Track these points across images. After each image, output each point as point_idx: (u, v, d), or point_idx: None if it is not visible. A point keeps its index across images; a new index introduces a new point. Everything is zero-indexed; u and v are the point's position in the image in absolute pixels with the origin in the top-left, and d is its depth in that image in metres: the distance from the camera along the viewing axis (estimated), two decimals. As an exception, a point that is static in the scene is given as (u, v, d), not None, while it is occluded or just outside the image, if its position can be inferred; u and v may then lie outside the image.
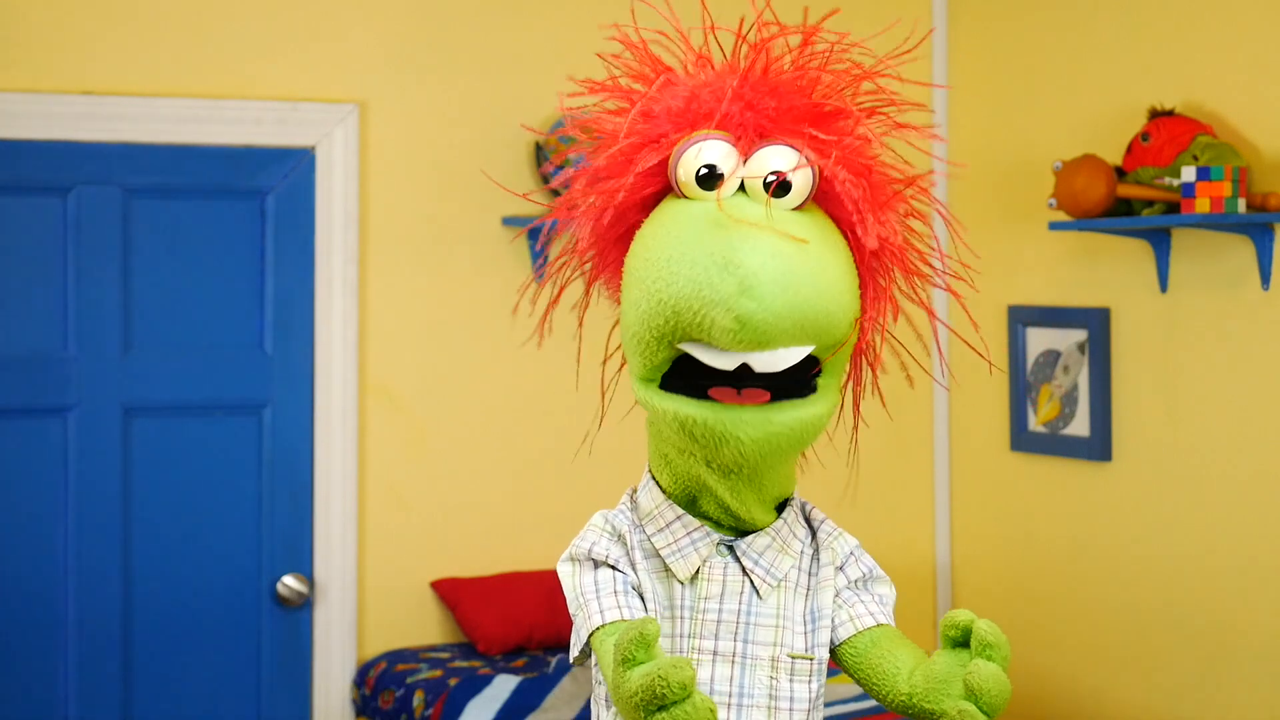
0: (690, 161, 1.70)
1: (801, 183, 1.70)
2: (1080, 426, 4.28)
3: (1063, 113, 4.34)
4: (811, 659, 1.80)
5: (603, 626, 1.73)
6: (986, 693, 1.67)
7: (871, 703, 3.91)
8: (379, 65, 4.28)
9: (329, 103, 4.21)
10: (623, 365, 1.90)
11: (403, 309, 4.31)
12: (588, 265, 1.87)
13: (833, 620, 1.83)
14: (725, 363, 1.64)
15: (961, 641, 1.76)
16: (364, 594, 4.28)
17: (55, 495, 4.03)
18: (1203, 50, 3.95)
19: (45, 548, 4.02)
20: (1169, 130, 3.84)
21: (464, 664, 4.11)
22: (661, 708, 1.55)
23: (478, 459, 4.38)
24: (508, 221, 4.33)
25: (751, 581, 1.78)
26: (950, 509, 4.77)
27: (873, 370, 1.88)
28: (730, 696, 1.77)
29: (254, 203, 4.19)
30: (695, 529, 1.78)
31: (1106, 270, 4.21)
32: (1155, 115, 3.92)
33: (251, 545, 4.19)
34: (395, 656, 4.21)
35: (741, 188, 1.71)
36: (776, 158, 1.70)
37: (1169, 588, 4.06)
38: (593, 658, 1.79)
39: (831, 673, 3.81)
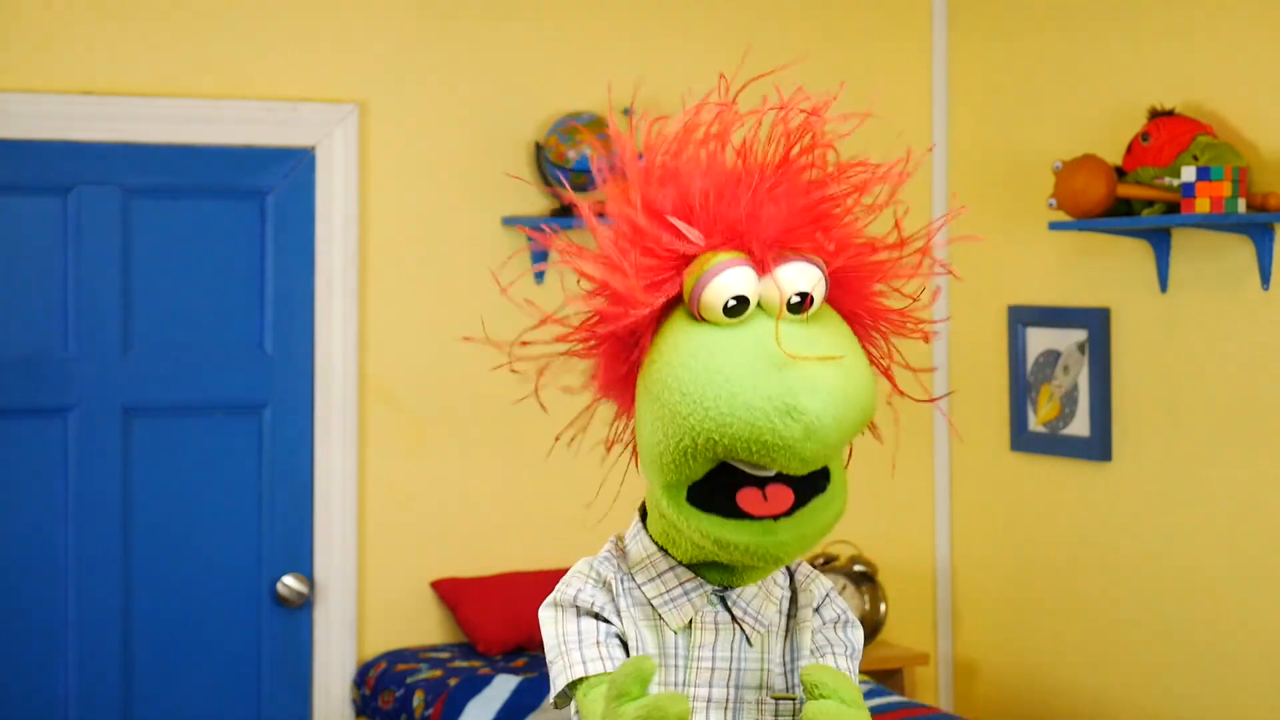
0: (718, 291, 1.69)
1: (819, 294, 1.73)
2: (1080, 426, 4.28)
3: (1063, 113, 4.34)
4: (794, 698, 1.84)
5: (586, 679, 1.77)
6: None
7: (873, 702, 3.91)
8: (379, 65, 4.28)
9: (329, 103, 4.21)
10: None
11: (403, 309, 4.31)
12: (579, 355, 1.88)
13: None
14: (765, 473, 1.70)
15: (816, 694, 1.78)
16: (364, 594, 4.29)
17: (55, 495, 4.03)
18: (1203, 50, 3.95)
19: (45, 548, 4.02)
20: (1169, 130, 3.84)
21: (464, 664, 4.11)
22: None
23: (478, 459, 4.38)
24: (508, 221, 4.33)
25: (742, 629, 1.82)
26: (950, 509, 4.77)
27: (874, 432, 1.91)
28: None
29: (254, 203, 4.19)
30: (688, 580, 1.81)
31: (1106, 270, 4.21)
32: (1155, 115, 3.92)
33: (251, 545, 4.19)
34: (395, 656, 4.21)
35: (758, 306, 1.72)
36: (800, 278, 1.71)
37: (1169, 588, 4.06)
38: (573, 704, 1.83)
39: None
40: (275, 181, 4.20)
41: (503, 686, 3.90)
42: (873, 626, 4.50)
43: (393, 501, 4.31)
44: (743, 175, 1.73)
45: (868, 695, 3.96)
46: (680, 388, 1.69)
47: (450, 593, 4.28)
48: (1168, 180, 3.83)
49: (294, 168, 4.21)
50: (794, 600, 1.88)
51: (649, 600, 1.81)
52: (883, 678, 4.56)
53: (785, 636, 1.85)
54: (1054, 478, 4.40)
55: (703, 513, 1.72)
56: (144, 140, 4.08)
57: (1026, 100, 4.47)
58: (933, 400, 1.95)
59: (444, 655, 4.19)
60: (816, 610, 1.88)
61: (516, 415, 4.40)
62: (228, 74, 4.14)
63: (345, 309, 4.23)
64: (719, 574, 1.81)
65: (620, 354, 1.81)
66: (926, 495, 4.78)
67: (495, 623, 4.21)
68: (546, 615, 1.83)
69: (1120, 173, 3.97)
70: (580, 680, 1.77)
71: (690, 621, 1.81)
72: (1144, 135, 3.89)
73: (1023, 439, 4.47)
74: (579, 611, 1.81)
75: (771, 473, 1.69)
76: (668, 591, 1.81)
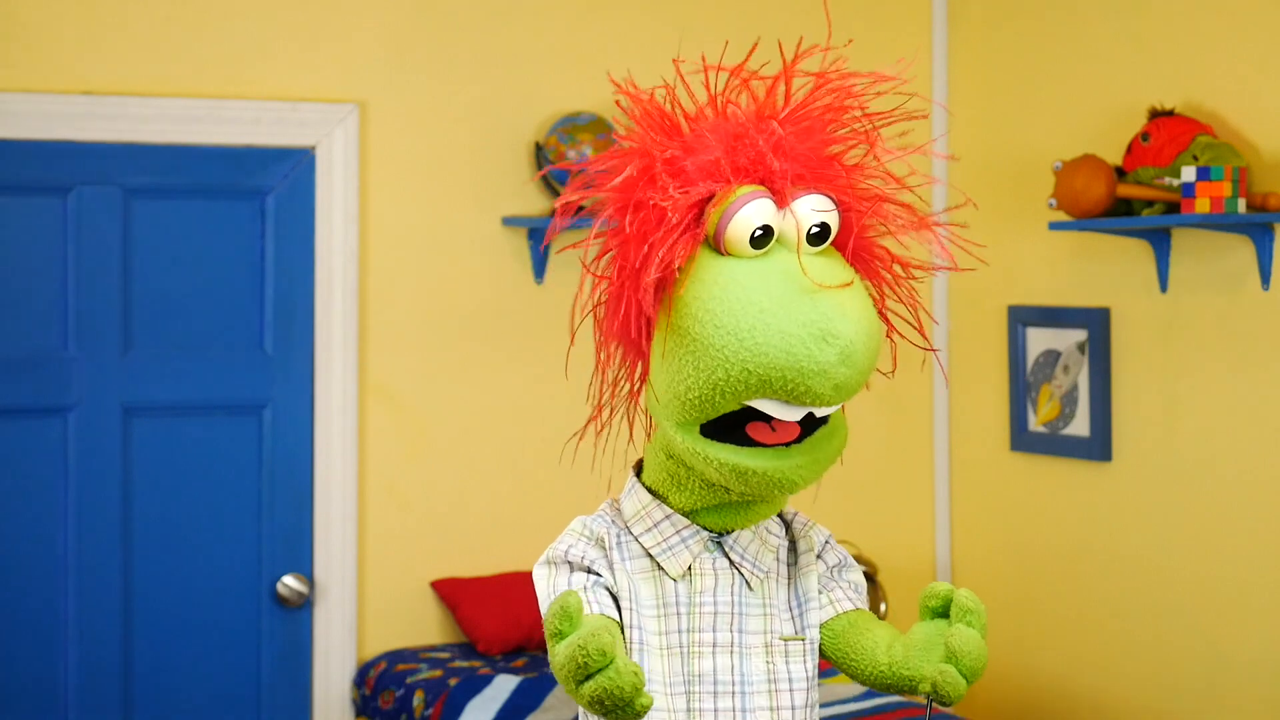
0: (743, 224, 1.73)
1: (833, 229, 1.78)
2: (1080, 426, 4.28)
3: (1063, 113, 4.34)
4: (803, 639, 1.88)
5: None
6: (967, 654, 1.74)
7: (873, 702, 3.91)
8: (379, 65, 4.28)
9: (329, 103, 4.22)
10: (601, 363, 1.90)
11: (403, 309, 4.31)
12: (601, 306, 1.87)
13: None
14: (792, 415, 1.73)
15: (941, 612, 1.83)
16: (364, 594, 4.29)
17: (55, 495, 4.03)
18: (1203, 50, 3.95)
19: (45, 548, 4.03)
20: (1169, 130, 3.84)
21: (464, 664, 4.11)
22: (588, 677, 1.61)
23: (478, 459, 4.38)
24: (508, 221, 4.33)
25: (741, 574, 1.85)
26: (950, 509, 4.77)
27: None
28: (733, 685, 1.83)
29: (254, 203, 4.19)
30: (685, 527, 1.85)
31: (1106, 270, 4.21)
32: (1155, 115, 3.92)
33: (251, 545, 4.19)
34: (395, 656, 4.21)
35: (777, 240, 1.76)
36: (817, 208, 1.75)
37: (1169, 588, 4.06)
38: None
39: (831, 673, 3.82)
40: (275, 181, 4.20)
41: (503, 686, 3.90)
42: (873, 626, 4.50)
43: (393, 501, 4.31)
44: (760, 117, 1.78)
45: (867, 694, 3.96)
46: (713, 320, 1.71)
47: (450, 593, 4.28)
48: (1168, 180, 3.83)
49: (294, 168, 4.21)
50: (792, 548, 1.92)
51: (647, 551, 1.84)
52: (883, 678, 4.55)
53: (788, 582, 1.89)
54: (1054, 478, 4.40)
55: (719, 443, 1.75)
56: (144, 140, 4.08)
57: (1026, 100, 4.47)
58: (931, 350, 1.96)
59: (444, 655, 4.19)
60: (819, 556, 1.93)
61: (516, 415, 4.42)
62: (228, 74, 4.14)
63: (345, 309, 4.23)
64: (715, 517, 1.84)
65: (643, 296, 1.81)
66: (926, 495, 4.78)
67: (495, 623, 4.21)
68: (539, 573, 1.87)
69: (1120, 173, 3.97)
70: None
71: (689, 568, 1.84)
72: (1144, 135, 3.89)
73: (1023, 439, 4.47)
74: (571, 567, 1.84)
75: (799, 415, 1.72)
76: (665, 540, 1.84)
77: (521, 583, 4.30)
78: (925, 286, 1.99)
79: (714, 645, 1.83)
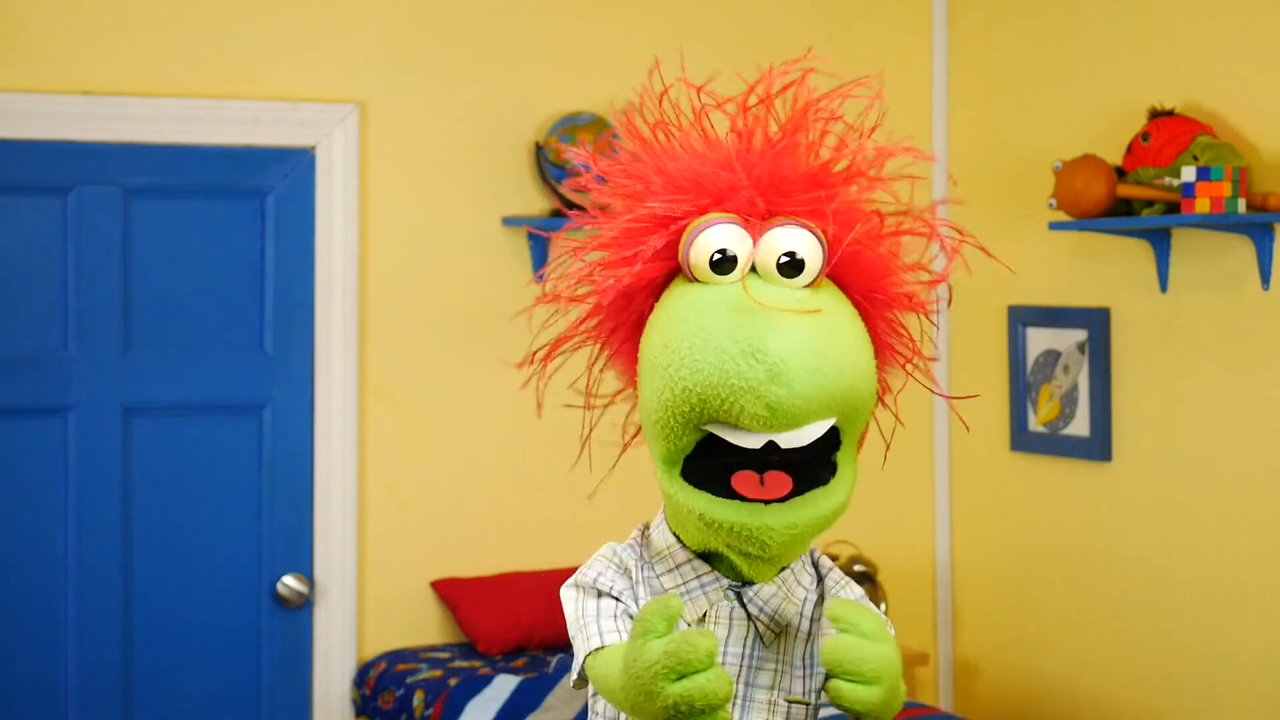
0: (703, 247, 1.71)
1: (813, 260, 1.72)
2: (1080, 426, 4.27)
3: (1063, 113, 4.34)
4: (808, 704, 1.83)
5: (601, 649, 1.77)
6: (837, 664, 1.68)
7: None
8: (379, 65, 4.28)
9: (329, 103, 4.22)
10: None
11: (403, 309, 4.31)
12: (590, 340, 1.87)
13: None
14: (751, 443, 1.67)
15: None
16: (364, 594, 4.29)
17: (55, 495, 4.03)
18: (1203, 50, 3.95)
19: (45, 548, 4.02)
20: (1169, 130, 3.84)
21: (464, 664, 4.11)
22: (682, 677, 1.59)
23: (478, 459, 4.38)
24: (508, 221, 4.33)
25: (756, 627, 1.81)
26: (950, 509, 4.77)
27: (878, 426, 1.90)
28: None
29: (254, 203, 4.19)
30: (705, 573, 1.81)
31: (1106, 270, 4.21)
32: (1155, 115, 3.91)
33: (251, 545, 4.19)
34: (395, 656, 4.21)
35: (753, 270, 1.72)
36: (787, 237, 1.71)
37: (1169, 588, 4.06)
38: (590, 685, 1.83)
39: None
40: (275, 181, 4.20)
41: (503, 686, 3.90)
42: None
43: (393, 501, 4.31)
44: (739, 143, 1.75)
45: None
46: (663, 340, 1.71)
47: (450, 593, 4.28)
48: (1168, 180, 3.83)
49: (294, 168, 4.21)
50: (820, 603, 1.86)
51: (666, 591, 1.81)
52: (883, 678, 4.55)
53: (808, 639, 1.84)
54: (1054, 478, 4.40)
55: (694, 489, 1.71)
56: (144, 140, 4.08)
57: (1026, 100, 4.47)
58: (951, 397, 1.94)
59: (444, 655, 4.19)
60: None
61: (516, 415, 4.41)
62: (228, 74, 4.14)
63: (345, 309, 4.23)
64: (727, 567, 1.80)
65: (629, 331, 1.82)
66: (926, 495, 4.78)
67: (495, 623, 4.21)
68: (568, 595, 1.84)
69: (1120, 173, 3.97)
70: (598, 650, 1.78)
71: (704, 615, 1.80)
72: (1144, 135, 3.89)
73: (1023, 439, 4.47)
74: (599, 593, 1.81)
75: (758, 443, 1.66)
76: (685, 584, 1.81)
77: (522, 583, 4.30)
78: (924, 290, 1.94)
79: None
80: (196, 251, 4.14)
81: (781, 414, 1.64)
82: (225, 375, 4.17)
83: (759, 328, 1.64)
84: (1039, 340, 4.41)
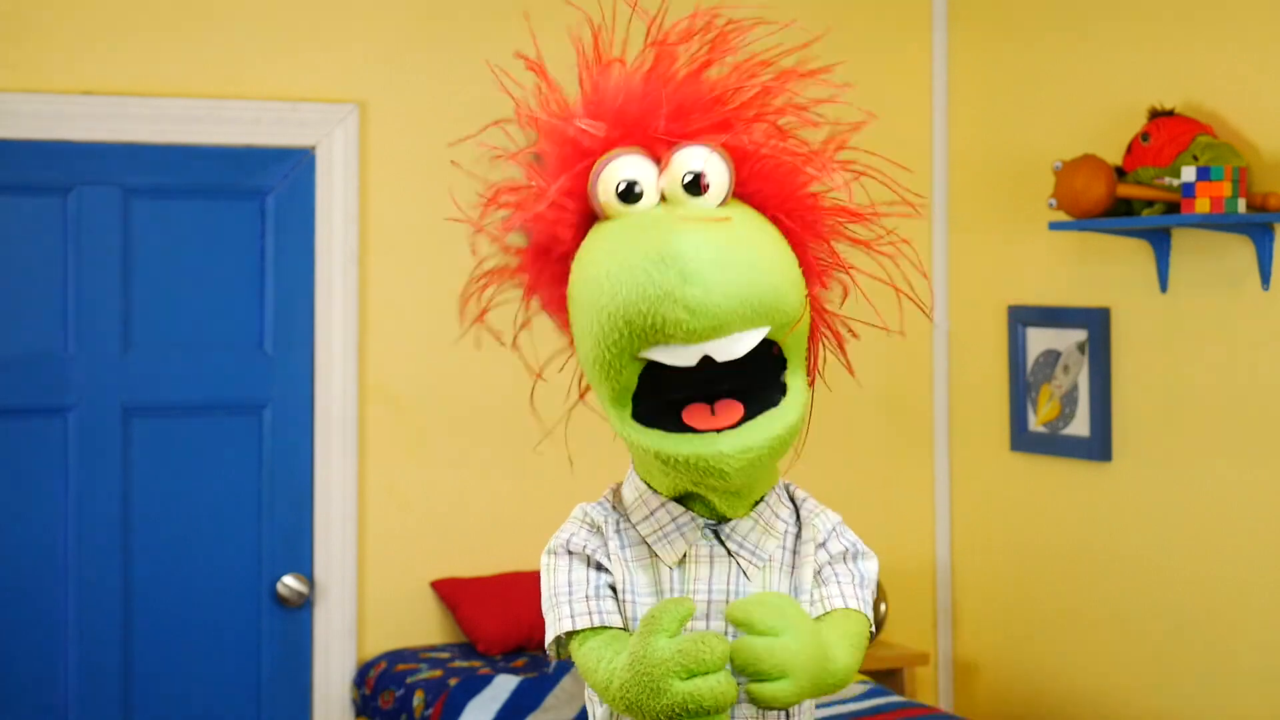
0: (609, 180, 1.72)
1: (719, 179, 1.73)
2: (1080, 426, 4.28)
3: (1063, 113, 4.34)
4: None
5: (576, 632, 1.80)
6: (740, 668, 1.68)
7: (874, 701, 3.91)
8: (379, 65, 4.28)
9: (329, 103, 4.22)
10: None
11: (403, 309, 4.31)
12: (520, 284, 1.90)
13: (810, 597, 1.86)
14: (687, 359, 1.66)
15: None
16: (364, 594, 4.29)
17: (55, 495, 4.03)
18: (1203, 50, 3.95)
19: (45, 548, 4.02)
20: (1169, 130, 3.84)
21: (464, 664, 4.11)
22: (691, 677, 1.62)
23: (477, 459, 4.38)
24: (508, 221, 4.33)
25: (738, 563, 1.81)
26: (950, 509, 4.77)
27: (838, 340, 1.87)
28: None
29: (254, 203, 4.19)
30: (680, 514, 1.81)
31: (1106, 270, 4.21)
32: (1155, 115, 3.92)
33: (251, 545, 4.19)
34: (395, 656, 4.21)
35: (663, 200, 1.73)
36: (692, 159, 1.72)
37: (1169, 588, 4.06)
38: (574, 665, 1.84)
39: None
40: (275, 181, 4.20)
41: (503, 686, 3.90)
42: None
43: (393, 502, 4.31)
44: (646, 72, 1.77)
45: (867, 694, 3.96)
46: (582, 276, 1.72)
47: (450, 593, 4.28)
48: (1168, 180, 3.83)
49: (294, 168, 4.21)
50: (798, 536, 1.86)
51: (644, 539, 1.82)
52: (882, 678, 4.56)
53: (792, 570, 1.85)
54: (1054, 478, 4.40)
55: (646, 428, 1.71)
56: (144, 140, 4.08)
57: (1026, 100, 4.47)
58: (909, 292, 1.88)
59: (444, 655, 4.19)
60: (822, 545, 1.86)
61: (516, 415, 4.41)
62: (228, 74, 4.14)
63: (345, 309, 4.23)
64: (703, 506, 1.81)
65: (554, 281, 1.83)
66: (926, 495, 4.78)
67: (495, 623, 4.21)
68: (544, 563, 1.86)
69: (1120, 173, 3.97)
70: (572, 634, 1.80)
71: (684, 556, 1.81)
72: (1144, 135, 3.89)
73: (1023, 439, 4.47)
74: (571, 557, 1.83)
75: (694, 358, 1.65)
76: (661, 528, 1.81)
77: (521, 583, 4.30)
78: (924, 286, 1.94)
79: None
80: (196, 251, 4.14)
81: (703, 314, 1.62)
82: (225, 375, 4.16)
83: (664, 234, 1.64)
84: (1039, 340, 4.42)
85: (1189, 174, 3.71)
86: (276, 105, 4.17)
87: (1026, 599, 4.50)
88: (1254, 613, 3.86)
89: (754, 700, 1.68)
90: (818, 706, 1.89)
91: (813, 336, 1.83)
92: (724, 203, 1.73)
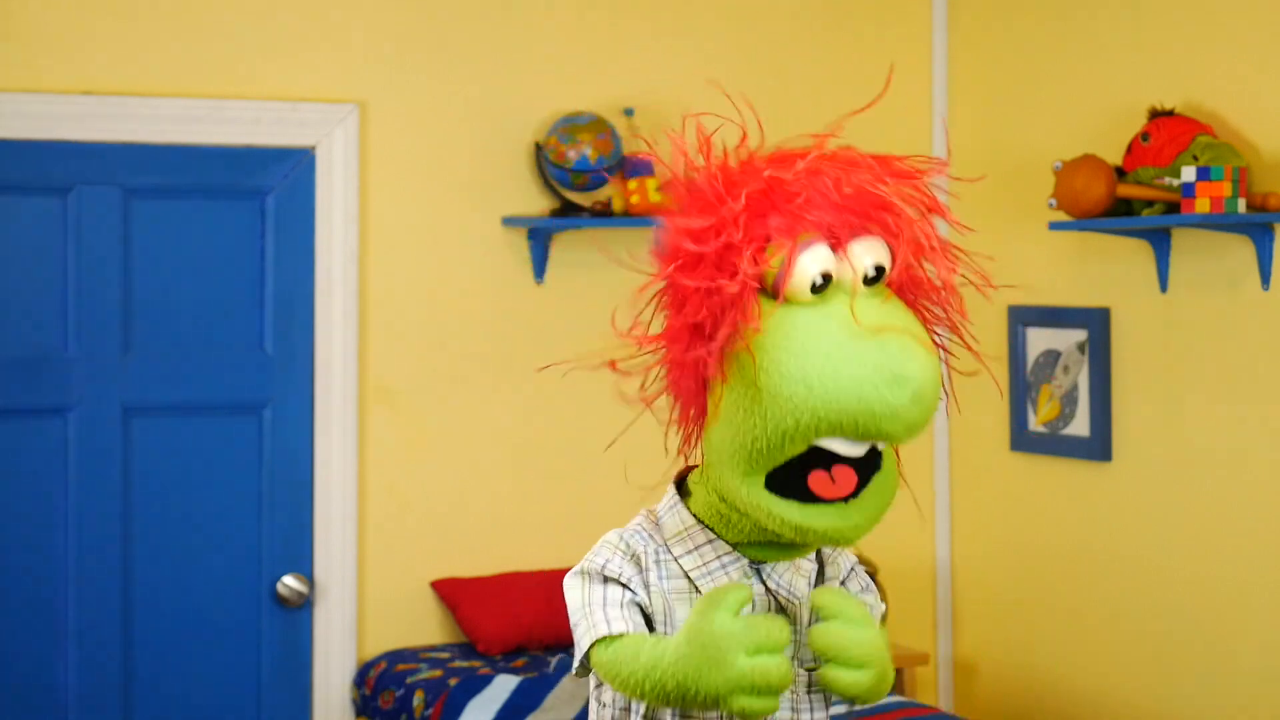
0: (805, 272, 1.74)
1: (887, 270, 1.79)
2: (1080, 426, 4.28)
3: (1063, 113, 4.34)
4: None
5: (609, 637, 1.79)
6: (831, 650, 1.76)
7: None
8: (379, 65, 4.28)
9: (329, 103, 4.22)
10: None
11: (403, 309, 4.31)
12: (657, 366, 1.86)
13: None
14: (856, 450, 1.74)
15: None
16: (364, 594, 4.28)
17: (55, 495, 4.03)
18: (1203, 50, 3.95)
19: (45, 548, 4.02)
20: (1169, 130, 3.84)
21: (464, 664, 4.11)
22: (758, 652, 1.67)
23: (478, 459, 4.38)
24: (508, 221, 4.33)
25: (776, 600, 1.86)
26: (950, 509, 4.77)
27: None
28: None
29: (254, 203, 4.19)
30: (726, 553, 1.85)
31: (1106, 270, 4.21)
32: (1155, 115, 3.92)
33: (251, 545, 4.19)
34: (395, 656, 4.21)
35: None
36: (870, 252, 1.77)
37: (1169, 588, 4.06)
38: (593, 675, 1.86)
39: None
40: (275, 181, 4.20)
41: (503, 686, 3.90)
42: (873, 626, 4.50)
43: (393, 501, 4.31)
44: (808, 171, 1.78)
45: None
46: (779, 369, 1.72)
47: (450, 593, 4.28)
48: (1168, 180, 3.83)
49: (294, 168, 4.21)
50: (821, 574, 1.92)
51: (686, 573, 1.85)
52: (883, 678, 4.55)
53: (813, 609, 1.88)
54: (1054, 478, 4.40)
55: (782, 500, 1.75)
56: (144, 140, 4.08)
57: (1026, 100, 4.47)
58: (992, 375, 2.03)
59: (444, 655, 4.19)
60: (843, 582, 1.94)
61: (516, 415, 4.42)
62: (228, 74, 4.14)
63: (345, 309, 4.23)
64: (758, 551, 1.85)
65: (698, 348, 1.81)
66: (926, 495, 4.78)
67: (495, 623, 4.20)
68: (572, 582, 1.86)
69: (1120, 173, 3.97)
70: (603, 639, 1.80)
71: None
72: (1144, 135, 3.89)
73: (1023, 439, 4.47)
74: (605, 580, 1.84)
75: (863, 450, 1.73)
76: (705, 564, 1.84)
77: (521, 583, 4.30)
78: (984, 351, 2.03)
79: None
80: (196, 251, 4.14)
81: (915, 430, 1.74)
82: (225, 375, 4.16)
83: (892, 352, 1.71)
84: (1039, 340, 4.42)
85: (1189, 174, 3.71)
86: (276, 105, 4.17)
87: (1026, 599, 4.50)
88: (1254, 613, 3.86)
89: (829, 685, 1.74)
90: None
91: None
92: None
